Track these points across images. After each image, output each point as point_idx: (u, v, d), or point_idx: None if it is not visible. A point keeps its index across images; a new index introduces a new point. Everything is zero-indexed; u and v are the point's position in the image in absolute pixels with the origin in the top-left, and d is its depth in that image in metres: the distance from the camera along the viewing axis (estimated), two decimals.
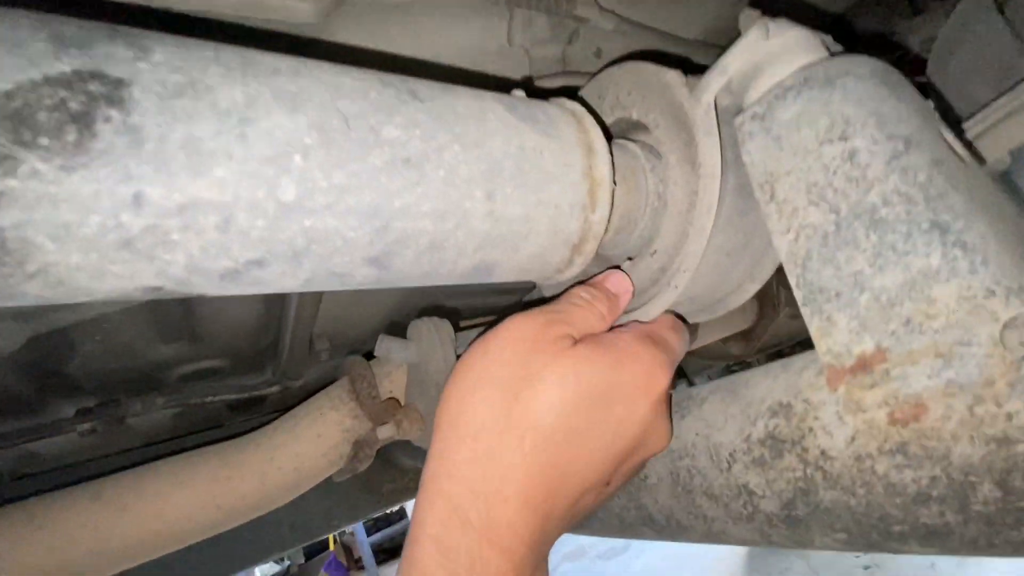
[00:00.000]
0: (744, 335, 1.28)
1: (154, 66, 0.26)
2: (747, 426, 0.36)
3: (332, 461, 0.72)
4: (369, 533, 5.11)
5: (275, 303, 0.88)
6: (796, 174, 0.33)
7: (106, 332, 0.80)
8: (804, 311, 0.32)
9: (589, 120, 0.41)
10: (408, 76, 0.36)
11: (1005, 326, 0.24)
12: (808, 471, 0.31)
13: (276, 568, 5.14)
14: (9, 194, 0.22)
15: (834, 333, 0.30)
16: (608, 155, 0.41)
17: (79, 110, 0.24)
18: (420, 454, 1.05)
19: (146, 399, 0.97)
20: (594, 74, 0.53)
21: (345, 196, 0.30)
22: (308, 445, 0.70)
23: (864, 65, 0.33)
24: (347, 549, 5.56)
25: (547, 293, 0.57)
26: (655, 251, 0.45)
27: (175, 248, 0.27)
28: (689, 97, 0.42)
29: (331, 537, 5.49)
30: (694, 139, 0.41)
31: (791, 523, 0.33)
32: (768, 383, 0.37)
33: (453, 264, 0.37)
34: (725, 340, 1.30)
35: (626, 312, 0.47)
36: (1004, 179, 0.42)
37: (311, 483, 0.72)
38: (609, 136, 0.46)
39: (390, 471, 1.25)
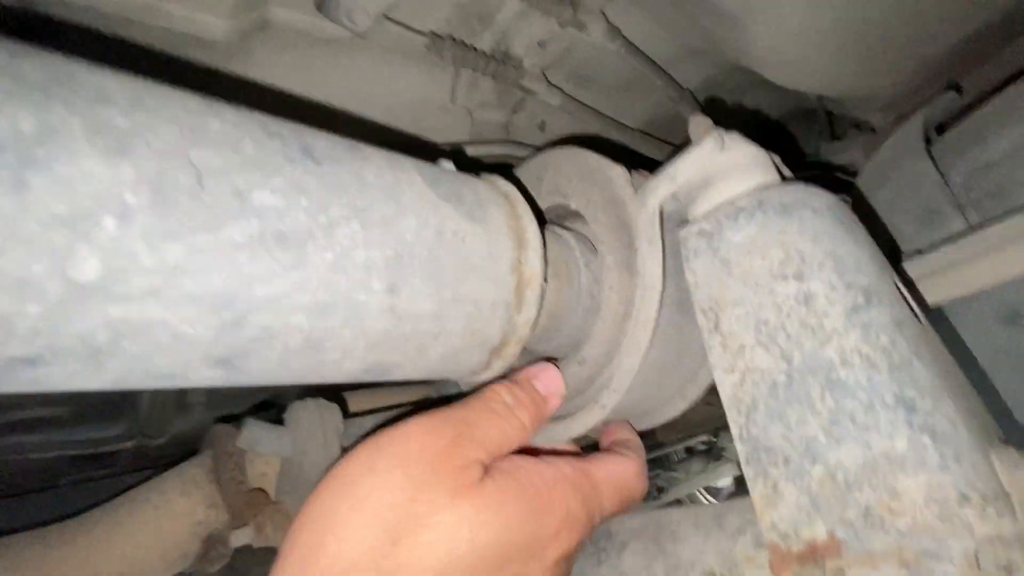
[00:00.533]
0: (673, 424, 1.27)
1: None
2: None
3: (172, 563, 0.57)
4: None
5: None
6: (745, 306, 0.29)
7: None
8: (746, 471, 0.27)
9: (523, 206, 0.36)
10: (308, 127, 0.29)
11: (980, 544, 0.20)
12: None
13: None
14: None
15: (780, 506, 0.26)
16: (541, 249, 0.35)
17: None
18: None
19: None
20: (536, 150, 0.49)
21: (180, 279, 0.22)
22: (143, 542, 0.55)
23: (820, 198, 0.30)
24: None
25: (464, 387, 0.50)
26: (583, 359, 0.40)
27: None
28: (633, 198, 0.38)
29: None
30: (635, 244, 0.37)
31: None
32: (698, 542, 0.31)
33: (336, 366, 0.29)
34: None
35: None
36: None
37: None
38: (543, 221, 0.41)
39: None
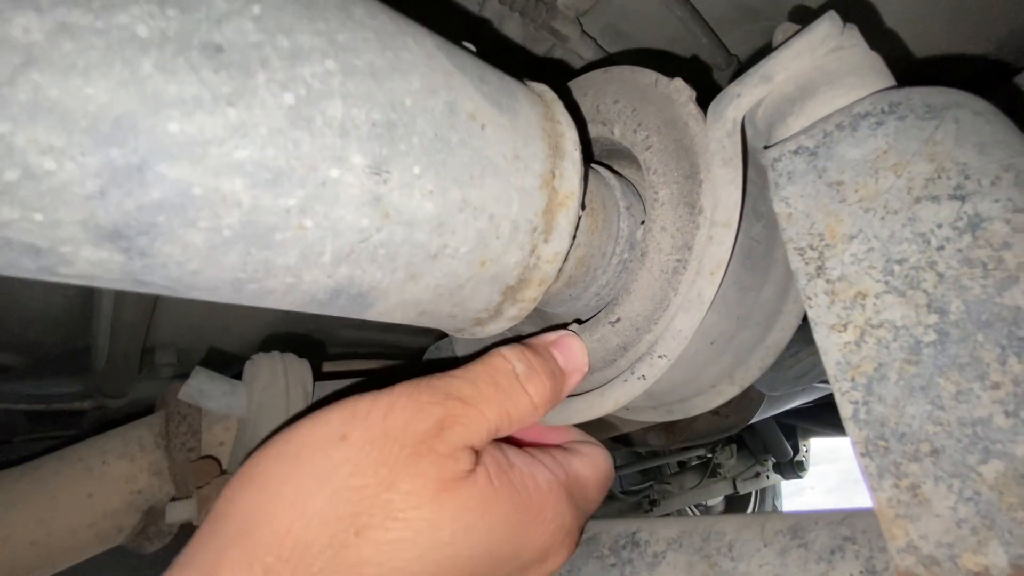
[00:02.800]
0: (667, 426, 1.18)
1: None
2: None
3: (103, 536, 0.49)
4: None
5: (86, 293, 0.65)
6: (867, 241, 0.21)
7: None
8: (865, 466, 0.19)
9: (560, 108, 0.28)
10: None
11: None
12: None
13: None
14: None
15: (925, 519, 0.17)
16: (582, 162, 0.27)
17: None
18: None
19: None
20: (572, 75, 0.41)
21: (37, 74, 0.14)
22: (69, 507, 0.47)
23: (979, 101, 0.22)
24: None
25: (460, 351, 0.42)
26: (617, 319, 0.32)
27: None
28: (698, 117, 0.30)
29: None
30: (700, 171, 0.29)
31: None
32: (771, 561, 0.23)
33: (291, 277, 0.20)
34: (646, 429, 1.19)
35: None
36: None
37: (62, 565, 0.49)
38: (588, 148, 0.33)
39: None
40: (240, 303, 0.22)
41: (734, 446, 2.33)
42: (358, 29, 0.20)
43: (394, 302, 0.25)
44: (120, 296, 0.59)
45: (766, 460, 2.41)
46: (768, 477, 2.44)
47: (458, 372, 0.27)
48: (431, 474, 0.22)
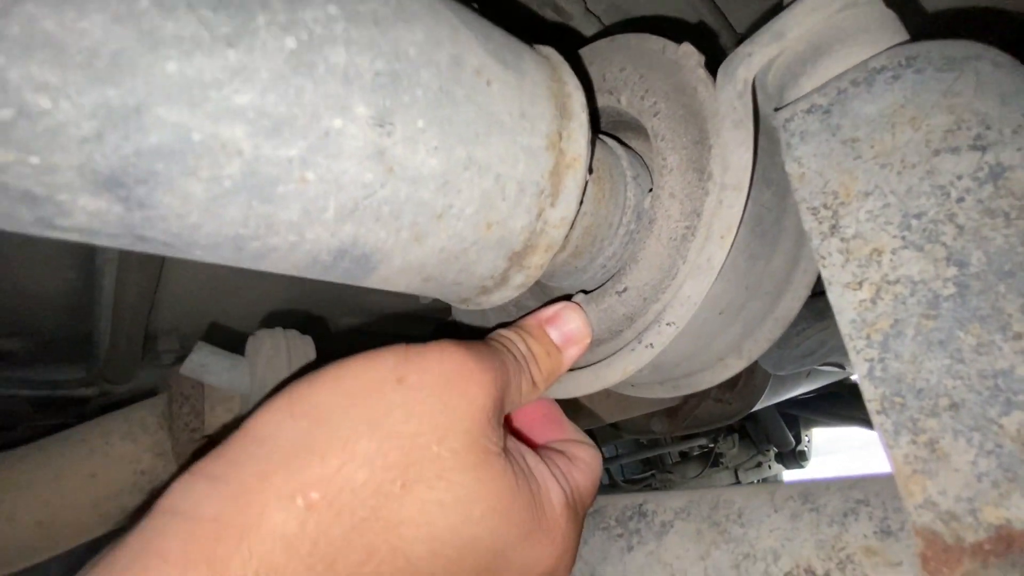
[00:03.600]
0: (669, 412, 1.18)
1: None
2: None
3: (107, 516, 0.49)
4: None
5: (87, 277, 0.64)
6: (883, 197, 0.21)
7: None
8: (880, 423, 0.19)
9: (567, 70, 0.27)
10: None
11: None
12: None
13: None
14: None
15: (944, 474, 0.17)
16: (589, 124, 0.26)
17: None
18: None
19: None
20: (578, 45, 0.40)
21: (30, 3, 0.13)
22: (73, 487, 0.47)
23: (998, 53, 0.21)
24: None
25: (462, 319, 0.41)
26: (624, 288, 0.31)
27: None
28: (707, 81, 0.29)
29: None
30: (709, 136, 0.28)
31: None
32: (782, 525, 0.22)
33: (294, 233, 0.20)
34: (649, 415, 1.19)
35: (571, 370, 0.32)
36: None
37: (66, 545, 0.49)
38: (595, 115, 0.32)
39: None
40: (242, 265, 0.22)
41: (736, 435, 2.33)
42: None
43: (398, 265, 0.24)
44: (121, 280, 0.58)
45: (768, 450, 2.41)
46: (770, 467, 2.44)
47: (486, 345, 0.26)
48: (482, 443, 0.22)
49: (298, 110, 0.17)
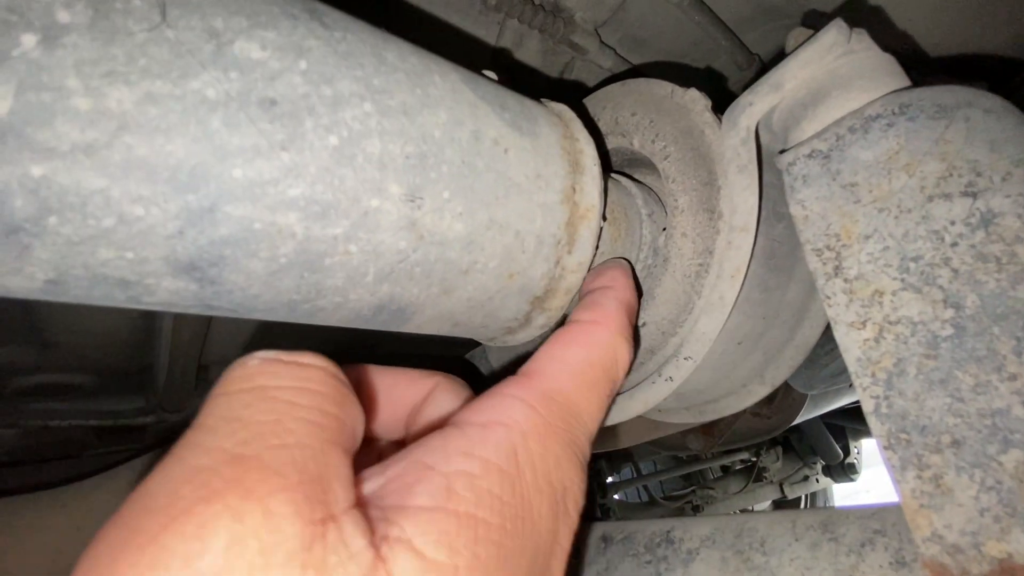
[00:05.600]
0: (705, 428, 1.17)
1: None
2: None
3: None
4: None
5: (148, 316, 0.70)
6: (882, 240, 0.22)
7: None
8: (888, 459, 0.20)
9: (578, 126, 0.29)
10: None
11: None
12: None
13: None
14: None
15: (949, 509, 0.18)
16: (601, 177, 0.28)
17: None
18: None
19: None
20: (590, 90, 0.42)
21: (128, 136, 0.16)
22: None
23: (990, 98, 0.22)
24: None
25: (493, 359, 0.43)
26: (643, 323, 0.33)
27: None
28: (714, 125, 0.31)
29: None
30: (717, 180, 0.30)
31: None
32: (802, 554, 0.23)
33: (339, 296, 0.23)
34: (684, 432, 1.18)
35: None
36: None
37: None
38: (606, 161, 0.34)
39: None
40: (293, 321, 0.25)
41: (779, 448, 2.25)
42: (390, 72, 0.22)
43: (430, 315, 0.27)
44: (178, 318, 0.63)
45: (814, 463, 2.32)
46: (818, 480, 2.35)
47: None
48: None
49: (341, 195, 0.20)
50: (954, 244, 0.20)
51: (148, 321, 0.71)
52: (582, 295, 0.29)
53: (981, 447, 0.18)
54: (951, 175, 0.21)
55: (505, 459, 0.20)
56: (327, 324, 0.25)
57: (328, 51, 0.20)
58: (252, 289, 0.21)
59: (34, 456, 1.05)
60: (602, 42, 0.66)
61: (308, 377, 0.19)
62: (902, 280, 0.21)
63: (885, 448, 0.20)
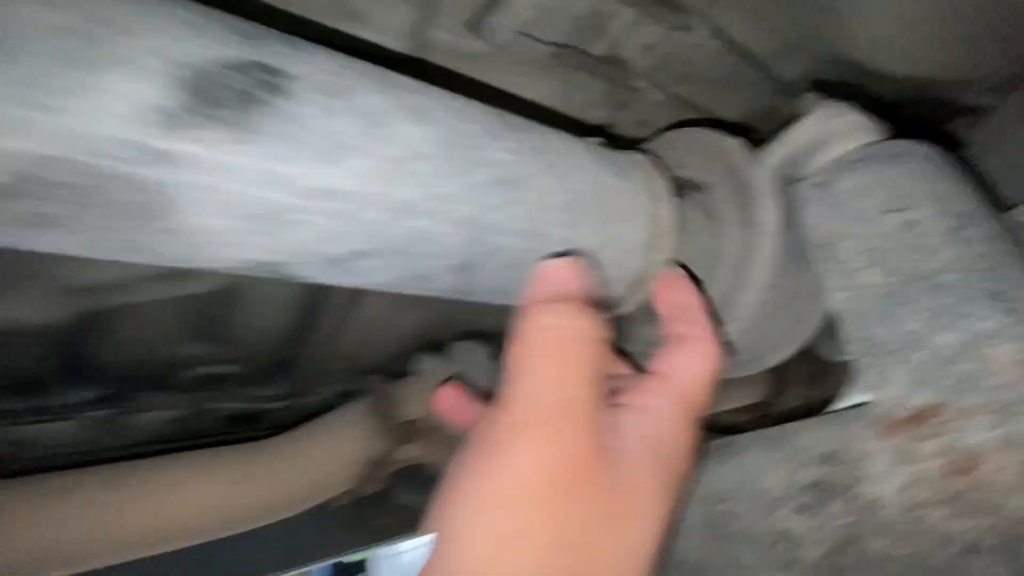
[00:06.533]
0: (757, 408, 1.28)
1: (314, 67, 0.29)
2: (792, 473, 0.37)
3: (346, 477, 0.71)
4: None
5: (305, 313, 0.89)
6: (855, 239, 0.36)
7: (143, 321, 0.82)
8: (861, 363, 0.34)
9: (652, 168, 0.45)
10: (500, 110, 0.40)
11: None
12: (856, 519, 0.32)
13: None
14: (169, 154, 0.25)
15: (890, 386, 0.32)
16: (672, 204, 0.44)
17: (246, 91, 0.27)
18: (421, 491, 1.03)
19: (157, 396, 0.97)
20: (651, 136, 0.58)
21: (451, 204, 0.33)
22: (326, 457, 0.70)
23: (922, 147, 0.37)
24: None
25: None
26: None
27: (297, 228, 0.29)
28: (749, 163, 0.46)
29: None
30: (752, 200, 0.45)
31: (834, 572, 0.34)
32: (814, 433, 0.38)
33: (523, 284, 0.39)
34: (736, 412, 1.29)
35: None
36: None
37: (323, 496, 0.71)
38: (677, 189, 0.49)
39: (384, 506, 1.21)
40: (493, 301, 0.41)
41: None
42: (552, 154, 0.38)
43: None
44: (329, 319, 0.82)
45: None
46: None
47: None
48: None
49: (538, 228, 0.36)
50: (894, 239, 0.34)
51: (303, 318, 0.91)
52: (660, 298, 0.43)
53: (905, 351, 0.32)
54: (894, 198, 0.35)
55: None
56: (506, 302, 0.42)
57: (524, 147, 0.37)
58: (485, 281, 0.37)
59: (179, 437, 1.28)
60: (653, 82, 0.81)
61: (587, 338, 0.30)
62: (867, 262, 0.35)
63: (856, 361, 0.34)
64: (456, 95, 0.37)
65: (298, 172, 0.28)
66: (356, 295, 0.81)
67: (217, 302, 0.84)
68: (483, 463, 0.26)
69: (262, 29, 0.30)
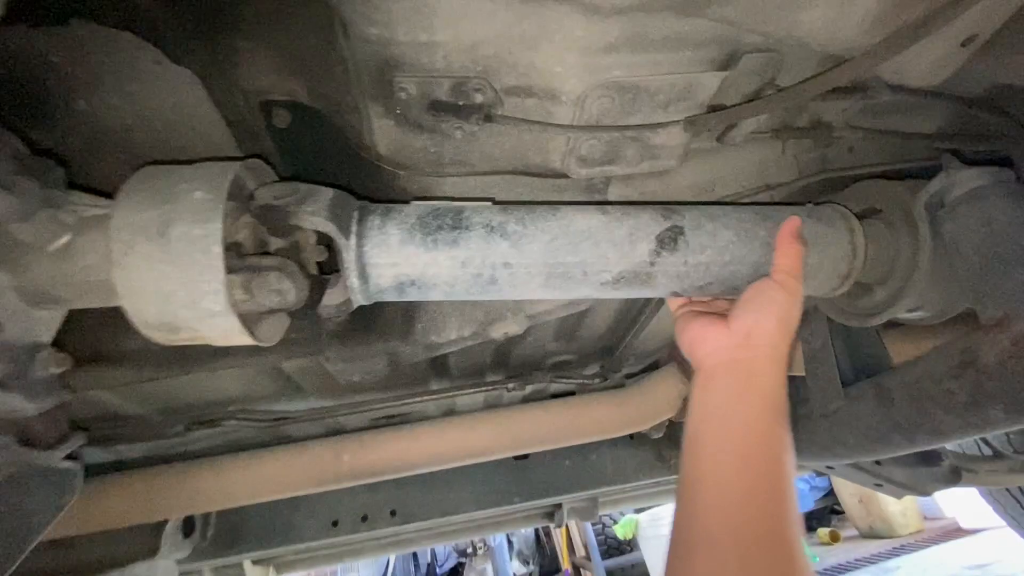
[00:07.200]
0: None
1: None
2: None
3: (669, 407, 1.23)
4: (603, 558, 5.49)
5: (629, 313, 1.44)
6: (972, 241, 0.72)
7: (538, 332, 1.47)
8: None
9: (850, 214, 0.85)
10: (757, 205, 0.85)
11: None
12: None
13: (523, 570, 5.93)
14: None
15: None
16: (862, 234, 0.83)
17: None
18: None
19: (534, 375, 1.64)
20: (850, 182, 0.95)
21: (733, 267, 0.80)
22: (662, 393, 1.22)
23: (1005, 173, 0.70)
24: (578, 570, 6.02)
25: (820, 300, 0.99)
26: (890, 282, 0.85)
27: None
28: (911, 199, 0.81)
29: (565, 556, 6.06)
30: (915, 221, 0.81)
31: None
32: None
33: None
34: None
35: (870, 315, 0.86)
36: None
37: (659, 418, 1.24)
38: (862, 217, 0.88)
39: (676, 447, 1.70)
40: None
41: None
42: (808, 225, 0.82)
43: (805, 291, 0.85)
44: (645, 320, 1.36)
45: None
46: None
47: None
48: None
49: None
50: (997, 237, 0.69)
51: (625, 318, 1.47)
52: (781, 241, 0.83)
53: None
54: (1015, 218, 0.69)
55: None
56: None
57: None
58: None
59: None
60: (851, 126, 1.13)
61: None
62: (979, 253, 0.71)
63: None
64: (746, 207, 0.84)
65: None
66: (658, 303, 1.32)
67: (577, 316, 1.44)
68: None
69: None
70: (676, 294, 0.75)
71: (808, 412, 0.98)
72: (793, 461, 0.55)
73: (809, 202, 0.88)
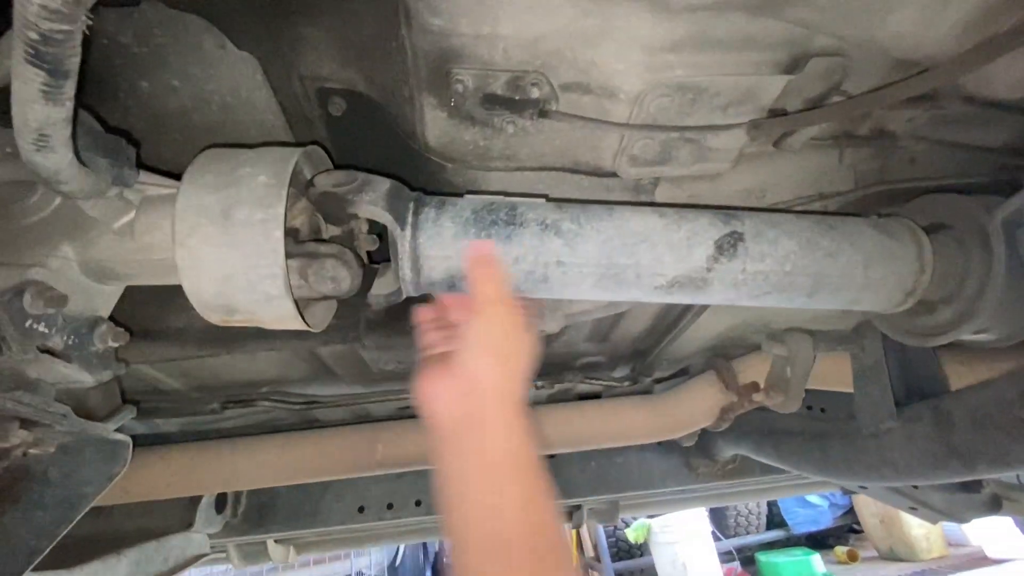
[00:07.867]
0: None
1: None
2: None
3: (706, 417, 1.20)
4: (613, 560, 5.46)
5: (667, 318, 1.42)
6: None
7: (572, 332, 1.46)
8: None
9: (918, 228, 0.81)
10: (818, 214, 0.82)
11: None
12: None
13: None
14: None
15: None
16: (931, 249, 0.79)
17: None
18: (735, 444, 1.46)
19: (565, 375, 1.62)
20: (917, 196, 0.91)
21: (793, 277, 0.77)
22: (694, 403, 1.20)
23: None
24: (586, 570, 5.99)
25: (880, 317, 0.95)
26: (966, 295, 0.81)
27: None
28: (983, 215, 0.77)
29: (574, 556, 6.05)
30: (989, 238, 0.76)
31: None
32: None
33: (837, 297, 0.80)
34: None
35: (932, 335, 0.83)
36: None
37: (694, 427, 1.22)
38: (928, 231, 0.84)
39: (706, 456, 1.67)
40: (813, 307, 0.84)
41: None
42: (869, 239, 0.79)
43: (867, 305, 0.82)
44: (683, 326, 1.33)
45: None
46: None
47: None
48: None
49: (849, 269, 0.78)
50: None
51: (661, 323, 1.45)
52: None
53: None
54: None
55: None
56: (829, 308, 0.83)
57: (840, 235, 0.78)
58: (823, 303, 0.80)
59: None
60: (916, 136, 1.08)
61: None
62: None
63: None
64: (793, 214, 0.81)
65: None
66: (699, 310, 1.30)
67: (614, 318, 1.43)
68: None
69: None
70: (730, 303, 0.73)
71: (854, 430, 0.95)
72: (548, 505, 0.57)
73: (876, 214, 0.85)
